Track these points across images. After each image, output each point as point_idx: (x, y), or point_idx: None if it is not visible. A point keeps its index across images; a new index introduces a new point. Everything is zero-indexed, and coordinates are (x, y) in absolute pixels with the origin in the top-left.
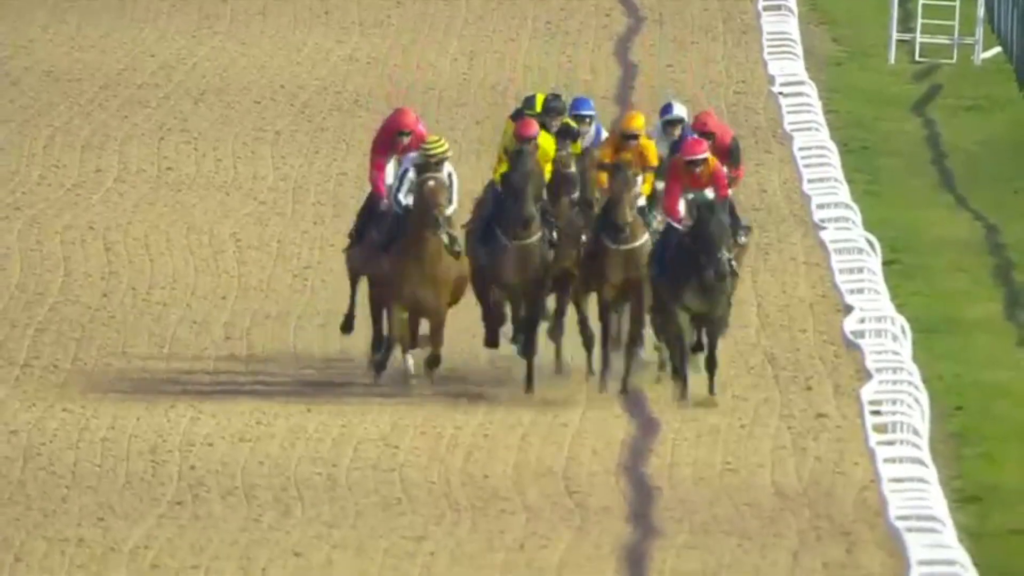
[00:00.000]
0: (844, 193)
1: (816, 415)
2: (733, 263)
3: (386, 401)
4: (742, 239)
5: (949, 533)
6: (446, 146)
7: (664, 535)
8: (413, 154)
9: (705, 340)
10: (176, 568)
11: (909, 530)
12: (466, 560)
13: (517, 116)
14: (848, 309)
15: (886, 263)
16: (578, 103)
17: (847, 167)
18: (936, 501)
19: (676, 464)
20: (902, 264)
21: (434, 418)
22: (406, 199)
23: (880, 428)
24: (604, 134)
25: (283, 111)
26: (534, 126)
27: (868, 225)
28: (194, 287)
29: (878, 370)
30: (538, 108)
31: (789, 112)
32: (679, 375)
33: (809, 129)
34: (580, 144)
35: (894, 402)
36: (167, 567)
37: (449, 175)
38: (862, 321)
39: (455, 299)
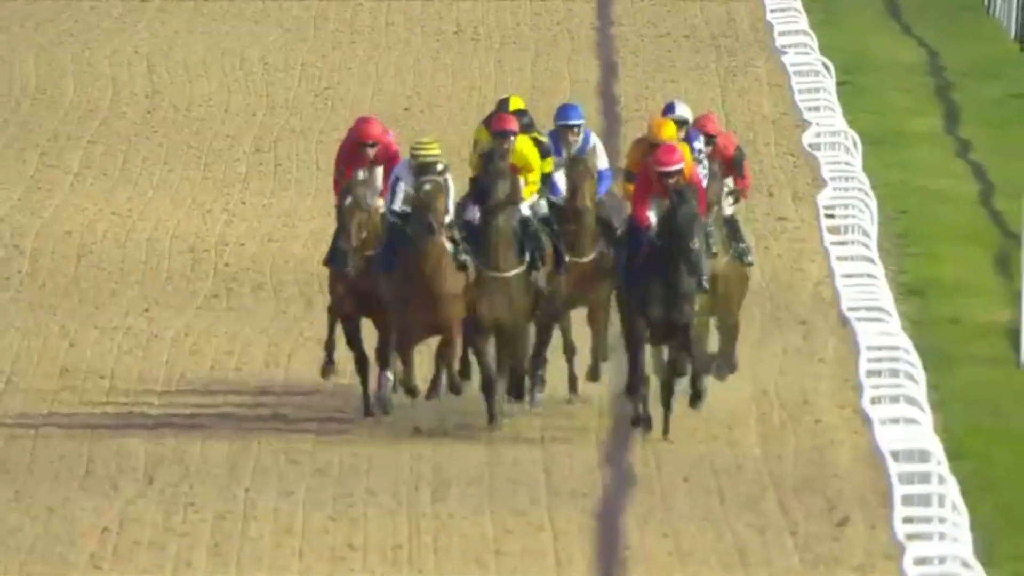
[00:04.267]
0: (803, 22)
1: (777, 218)
2: (704, 277)
3: None
4: (748, 259)
5: (894, 322)
6: (438, 149)
7: None
8: (402, 161)
9: (687, 364)
10: (212, 353)
11: (859, 319)
12: None
13: (491, 120)
14: (806, 124)
15: (839, 84)
16: (565, 111)
17: None
18: (883, 294)
19: None
20: (853, 85)
21: None
22: (401, 208)
23: (833, 229)
24: (593, 141)
25: None
26: (512, 120)
27: (824, 50)
28: (227, 105)
29: (832, 178)
30: (513, 108)
31: None
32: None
33: None
34: (551, 160)
35: (846, 206)
36: (204, 353)
37: (445, 181)
38: (818, 135)
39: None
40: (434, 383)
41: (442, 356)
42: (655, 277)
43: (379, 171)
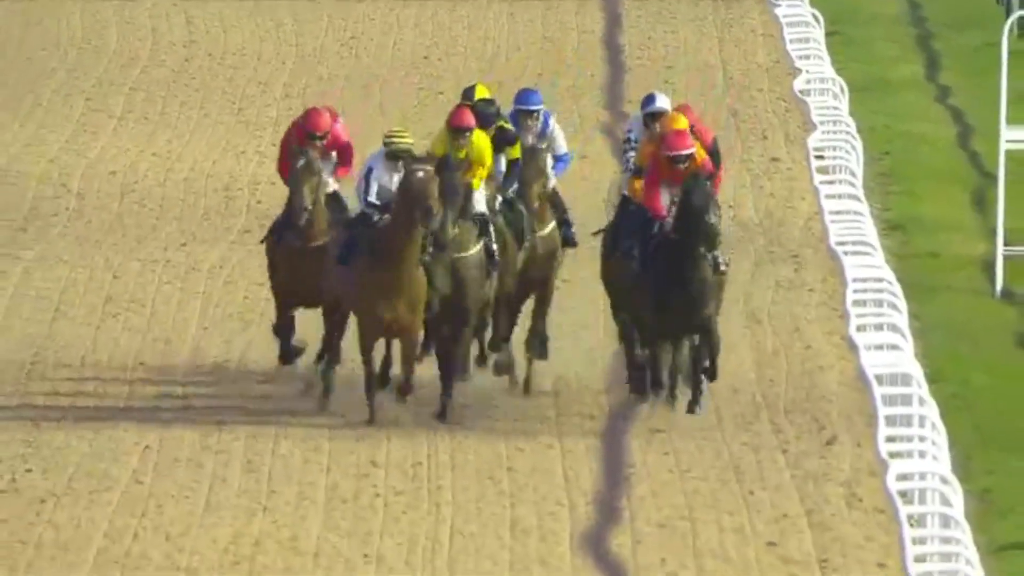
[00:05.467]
0: None
1: (770, 159)
2: (720, 260)
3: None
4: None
5: (878, 255)
6: (411, 138)
7: None
8: (376, 151)
9: (702, 358)
10: (245, 284)
11: (846, 253)
12: None
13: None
14: (797, 72)
15: (828, 34)
16: (525, 96)
17: None
18: (868, 229)
19: None
20: (842, 35)
21: None
22: (378, 200)
23: (822, 170)
24: (553, 125)
25: None
26: (469, 116)
27: (814, 2)
28: (259, 53)
29: (821, 122)
30: (478, 97)
31: None
32: (666, 388)
33: None
34: (519, 147)
35: (834, 148)
36: (237, 283)
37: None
38: (808, 82)
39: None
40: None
41: (404, 358)
42: (672, 272)
43: (332, 156)
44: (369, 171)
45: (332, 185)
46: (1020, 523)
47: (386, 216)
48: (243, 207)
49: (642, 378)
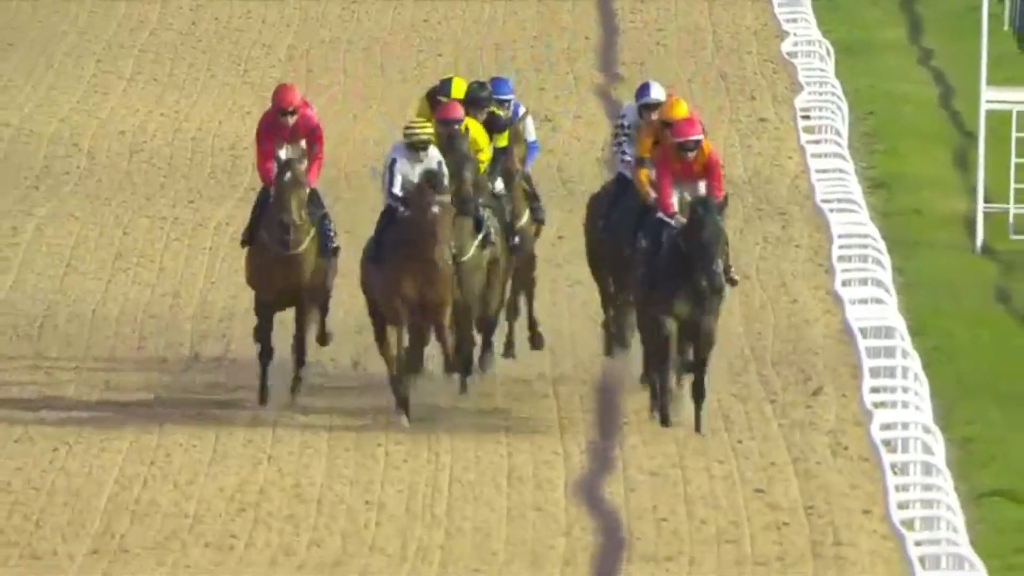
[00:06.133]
0: None
1: (759, 119)
2: (731, 271)
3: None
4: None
5: (863, 213)
6: (431, 128)
7: None
8: (398, 143)
9: (691, 360)
10: None
11: (832, 210)
12: None
13: (433, 97)
14: (784, 35)
15: None
16: (496, 86)
17: None
18: (853, 187)
19: None
20: None
21: None
22: (402, 191)
23: (809, 129)
24: (523, 113)
25: None
26: (459, 108)
27: None
28: (264, 17)
29: (807, 83)
30: (455, 93)
31: None
32: (661, 393)
33: None
34: (507, 135)
35: (820, 108)
36: None
37: (439, 163)
38: (795, 44)
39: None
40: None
41: (439, 340)
42: (680, 277)
43: (302, 145)
44: (392, 163)
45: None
46: (1000, 471)
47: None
48: (248, 166)
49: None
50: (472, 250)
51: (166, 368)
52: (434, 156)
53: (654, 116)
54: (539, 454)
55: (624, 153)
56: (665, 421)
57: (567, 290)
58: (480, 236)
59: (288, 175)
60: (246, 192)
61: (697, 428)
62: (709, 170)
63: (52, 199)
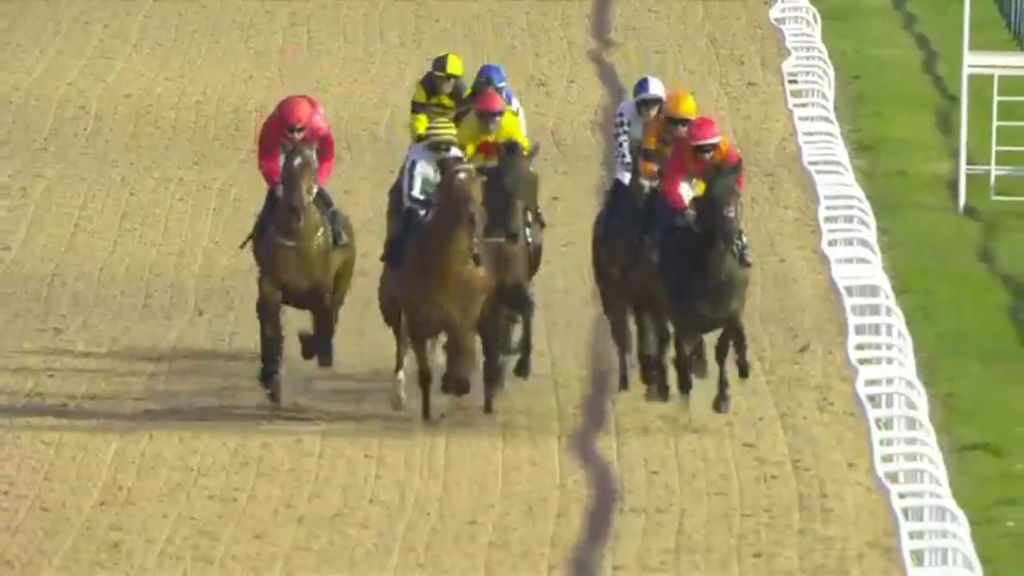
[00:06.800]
0: None
1: (747, 84)
2: (747, 253)
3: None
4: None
5: (849, 174)
6: (453, 129)
7: None
8: (416, 145)
9: (732, 356)
10: (255, 201)
11: (818, 172)
12: None
13: (427, 81)
14: (772, 1)
15: None
16: (487, 73)
17: None
18: (839, 149)
19: None
20: None
21: None
22: (423, 195)
23: (796, 93)
24: (516, 104)
25: None
26: (498, 99)
27: None
28: None
29: (795, 48)
30: (450, 69)
31: None
32: (659, 376)
33: None
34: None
35: (807, 73)
36: (247, 200)
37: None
38: (783, 11)
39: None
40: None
41: (452, 359)
42: (695, 266)
43: (314, 161)
44: (412, 165)
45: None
46: (981, 425)
47: (430, 214)
48: (251, 129)
49: (653, 371)
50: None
51: (171, 325)
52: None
53: (652, 112)
54: (534, 409)
55: (624, 156)
56: (664, 394)
57: (561, 249)
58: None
59: (298, 160)
60: (248, 155)
61: (719, 406)
62: (732, 167)
63: (61, 161)
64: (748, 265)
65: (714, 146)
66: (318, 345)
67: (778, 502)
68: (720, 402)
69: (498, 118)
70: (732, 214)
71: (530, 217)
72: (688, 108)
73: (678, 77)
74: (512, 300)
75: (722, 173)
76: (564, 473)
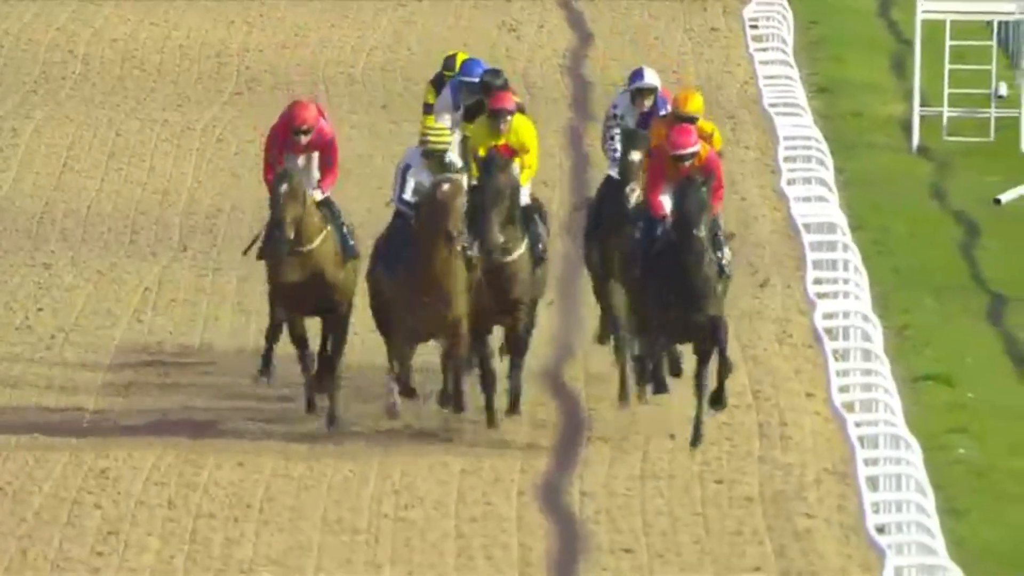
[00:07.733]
0: None
1: (710, 29)
2: (725, 264)
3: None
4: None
5: (807, 116)
6: (449, 136)
7: None
8: (413, 148)
9: (705, 367)
10: (236, 142)
11: (778, 114)
12: None
13: (438, 80)
14: None
15: None
16: (469, 68)
17: None
18: (798, 92)
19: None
20: None
21: None
22: (413, 198)
23: (757, 38)
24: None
25: None
26: (511, 98)
27: None
28: None
29: None
30: (459, 69)
31: None
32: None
33: None
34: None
35: (767, 18)
36: (229, 141)
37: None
38: None
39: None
40: (452, 393)
41: (448, 362)
42: (672, 273)
43: (315, 158)
44: (406, 168)
45: (318, 196)
46: (934, 356)
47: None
48: (233, 72)
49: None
50: (519, 249)
51: (156, 261)
52: (453, 163)
53: (648, 102)
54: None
55: (615, 150)
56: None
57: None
58: (527, 235)
59: (284, 187)
60: (231, 97)
61: (695, 442)
62: (706, 171)
63: (49, 103)
64: (727, 276)
65: (692, 155)
66: (324, 363)
67: (739, 431)
68: (695, 440)
69: (509, 117)
70: (701, 233)
71: (540, 227)
72: (696, 106)
73: (643, 23)
74: (507, 336)
75: (694, 187)
76: (533, 403)
